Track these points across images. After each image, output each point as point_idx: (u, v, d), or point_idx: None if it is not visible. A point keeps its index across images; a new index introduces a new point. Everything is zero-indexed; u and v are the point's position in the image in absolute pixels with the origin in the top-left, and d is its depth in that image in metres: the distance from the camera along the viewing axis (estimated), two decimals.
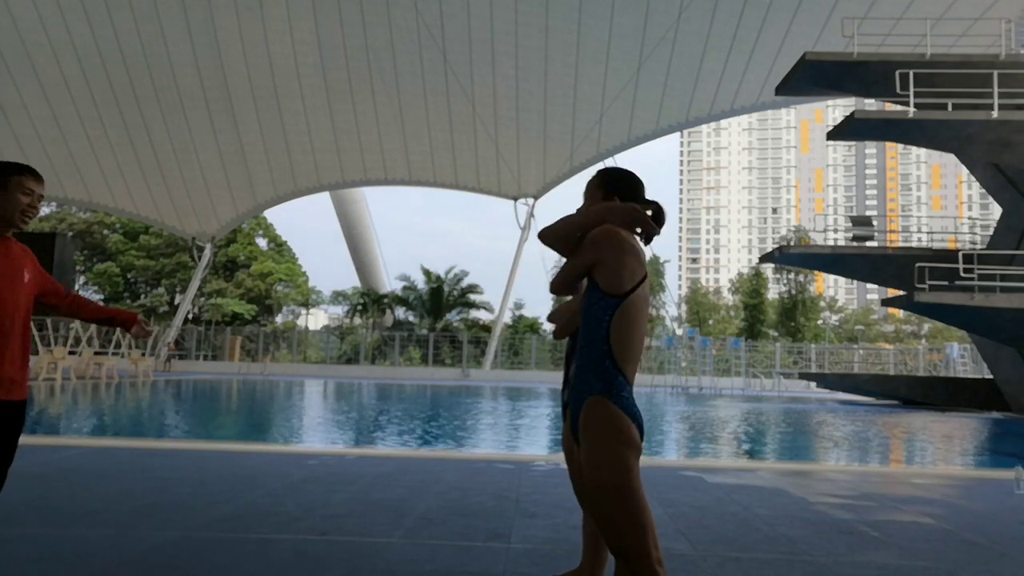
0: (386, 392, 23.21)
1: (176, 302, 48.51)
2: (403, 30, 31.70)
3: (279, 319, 55.37)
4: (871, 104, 26.84)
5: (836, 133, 18.27)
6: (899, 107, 17.47)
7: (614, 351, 2.19)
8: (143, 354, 29.91)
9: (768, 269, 56.57)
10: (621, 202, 2.34)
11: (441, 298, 43.60)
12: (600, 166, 30.91)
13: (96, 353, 26.47)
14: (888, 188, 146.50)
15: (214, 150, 36.78)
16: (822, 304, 64.72)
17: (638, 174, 2.46)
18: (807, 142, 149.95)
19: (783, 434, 13.21)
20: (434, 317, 43.36)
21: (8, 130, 34.35)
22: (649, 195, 2.43)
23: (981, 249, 19.48)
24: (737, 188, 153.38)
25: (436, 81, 33.69)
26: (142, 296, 53.45)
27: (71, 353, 24.77)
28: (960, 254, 17.37)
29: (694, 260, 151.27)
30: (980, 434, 14.39)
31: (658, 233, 2.35)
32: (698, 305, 66.44)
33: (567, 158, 36.70)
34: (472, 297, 45.09)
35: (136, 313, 3.13)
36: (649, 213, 2.34)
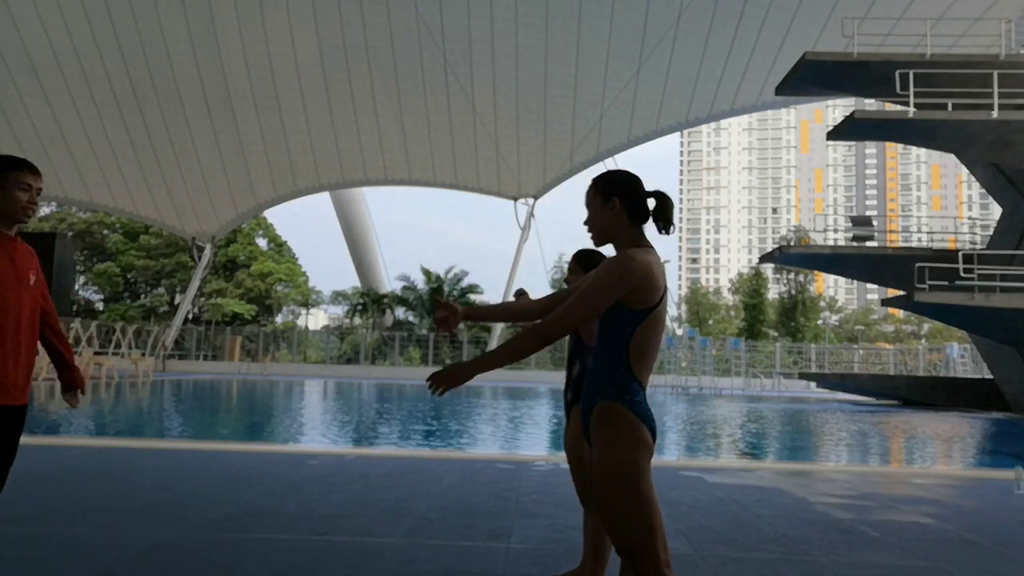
0: (386, 392, 23.20)
1: (176, 302, 48.48)
2: (403, 30, 31.69)
3: (279, 319, 55.32)
4: (871, 104, 26.84)
5: (836, 133, 18.27)
6: (899, 107, 17.47)
7: (631, 360, 2.20)
8: (143, 354, 29.93)
9: (768, 269, 56.56)
10: (622, 204, 2.32)
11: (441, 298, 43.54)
12: (600, 166, 30.75)
13: (96, 353, 26.49)
14: (888, 188, 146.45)
15: (214, 150, 36.76)
16: (822, 304, 64.70)
17: (633, 171, 2.47)
18: (807, 142, 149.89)
19: (783, 434, 13.21)
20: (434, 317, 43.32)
21: (8, 130, 34.33)
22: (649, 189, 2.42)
23: (981, 249, 19.47)
24: (737, 188, 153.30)
25: (436, 81, 33.68)
26: (142, 296, 53.41)
27: None
28: (960, 254, 17.36)
29: (694, 260, 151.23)
30: (980, 434, 14.39)
31: (670, 223, 2.34)
32: (698, 305, 66.42)
33: (567, 158, 36.69)
34: (472, 297, 45.04)
35: (83, 381, 2.92)
36: (653, 204, 2.34)
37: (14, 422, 2.59)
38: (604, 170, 2.46)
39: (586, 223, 2.40)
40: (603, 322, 2.28)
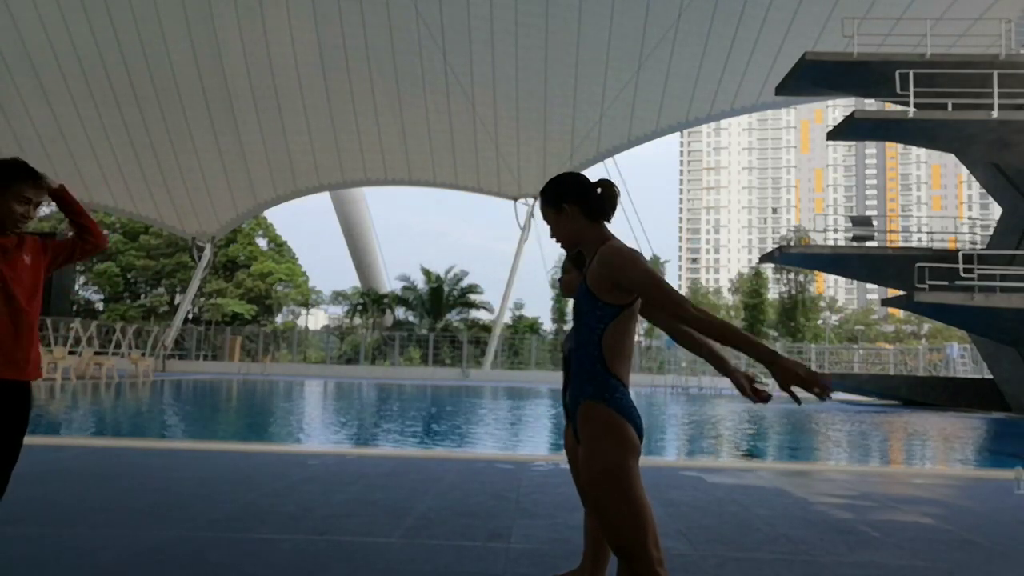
0: (386, 392, 23.20)
1: (176, 302, 48.47)
2: (403, 30, 31.68)
3: (279, 319, 55.31)
4: (871, 104, 26.82)
5: (836, 133, 18.27)
6: (899, 107, 17.47)
7: (606, 356, 2.20)
8: (143, 354, 29.92)
9: (768, 269, 56.52)
10: (573, 206, 2.33)
11: (441, 298, 43.57)
12: (599, 166, 30.38)
13: (96, 353, 26.48)
14: (888, 188, 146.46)
15: (214, 150, 36.75)
16: (822, 304, 64.70)
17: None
18: (807, 142, 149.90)
19: (783, 434, 13.21)
20: (434, 317, 43.34)
21: (8, 130, 34.33)
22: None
23: (981, 249, 19.47)
24: (737, 188, 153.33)
25: (436, 81, 33.67)
26: (142, 296, 53.41)
27: (71, 353, 24.76)
28: (960, 254, 17.36)
29: (694, 260, 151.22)
30: (980, 434, 14.39)
31: (610, 213, 2.34)
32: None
33: (567, 158, 36.65)
34: (472, 297, 45.05)
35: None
36: (600, 191, 2.35)
37: (23, 397, 2.61)
38: (545, 183, 2.47)
39: (552, 236, 2.43)
40: (579, 320, 2.29)
